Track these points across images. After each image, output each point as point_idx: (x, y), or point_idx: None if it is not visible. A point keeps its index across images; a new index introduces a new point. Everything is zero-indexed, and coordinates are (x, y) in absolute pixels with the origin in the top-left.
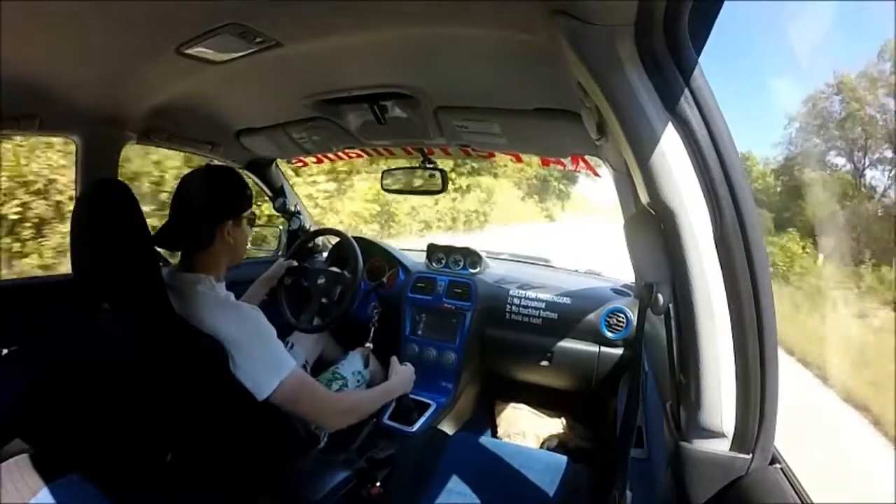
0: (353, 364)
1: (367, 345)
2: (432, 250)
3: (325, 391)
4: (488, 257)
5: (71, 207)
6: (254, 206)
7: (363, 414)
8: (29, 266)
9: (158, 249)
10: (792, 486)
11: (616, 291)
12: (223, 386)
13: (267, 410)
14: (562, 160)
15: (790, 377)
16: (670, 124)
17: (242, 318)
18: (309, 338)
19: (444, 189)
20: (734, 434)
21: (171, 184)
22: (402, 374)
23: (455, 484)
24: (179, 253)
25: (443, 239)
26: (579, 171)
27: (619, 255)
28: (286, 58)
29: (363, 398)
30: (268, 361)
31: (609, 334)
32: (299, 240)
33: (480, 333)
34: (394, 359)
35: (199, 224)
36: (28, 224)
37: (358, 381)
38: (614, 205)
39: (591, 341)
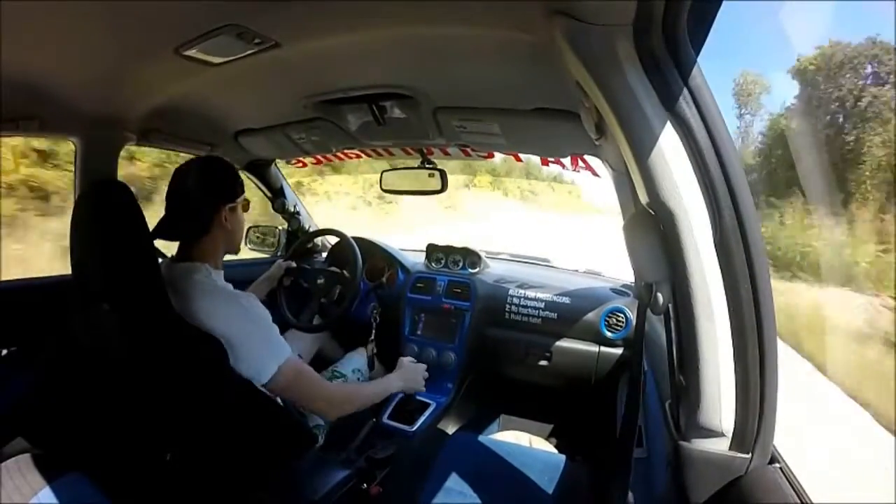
0: (353, 362)
1: (370, 341)
2: (431, 250)
3: (322, 379)
4: (487, 257)
5: None
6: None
7: (359, 405)
8: None
9: (159, 248)
10: (791, 485)
11: (615, 291)
12: (222, 386)
13: (266, 409)
14: (561, 160)
15: None
16: (669, 124)
17: (239, 307)
18: (304, 337)
19: (443, 189)
20: (734, 433)
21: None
22: (406, 371)
23: (454, 483)
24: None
25: None
26: None
27: None
28: (285, 59)
29: (359, 389)
30: (265, 348)
31: (609, 334)
32: (298, 240)
33: (480, 333)
34: (408, 358)
35: (196, 212)
36: None
37: (358, 378)
38: None
39: (590, 341)
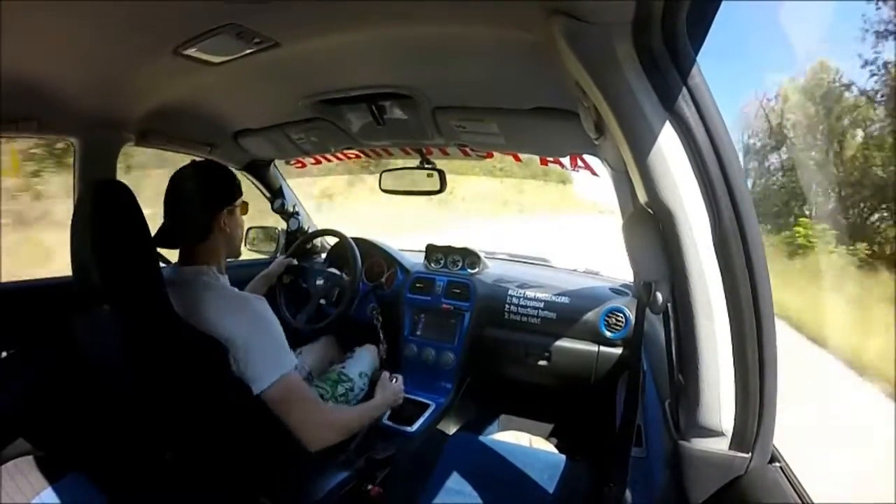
0: (360, 364)
1: (381, 342)
2: (431, 251)
3: (319, 400)
4: (486, 257)
5: None
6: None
7: (347, 433)
8: None
9: (161, 254)
10: (791, 484)
11: (615, 291)
12: (222, 386)
13: (265, 410)
14: (560, 159)
15: None
16: (668, 123)
17: (248, 310)
18: (315, 349)
19: (442, 189)
20: (733, 433)
21: None
22: (388, 393)
23: (454, 483)
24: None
25: None
26: None
27: None
28: (284, 58)
29: (350, 417)
30: (271, 354)
31: (608, 334)
32: (298, 240)
33: (479, 333)
34: (384, 374)
35: (196, 218)
36: None
37: (363, 384)
38: None
39: (589, 341)
